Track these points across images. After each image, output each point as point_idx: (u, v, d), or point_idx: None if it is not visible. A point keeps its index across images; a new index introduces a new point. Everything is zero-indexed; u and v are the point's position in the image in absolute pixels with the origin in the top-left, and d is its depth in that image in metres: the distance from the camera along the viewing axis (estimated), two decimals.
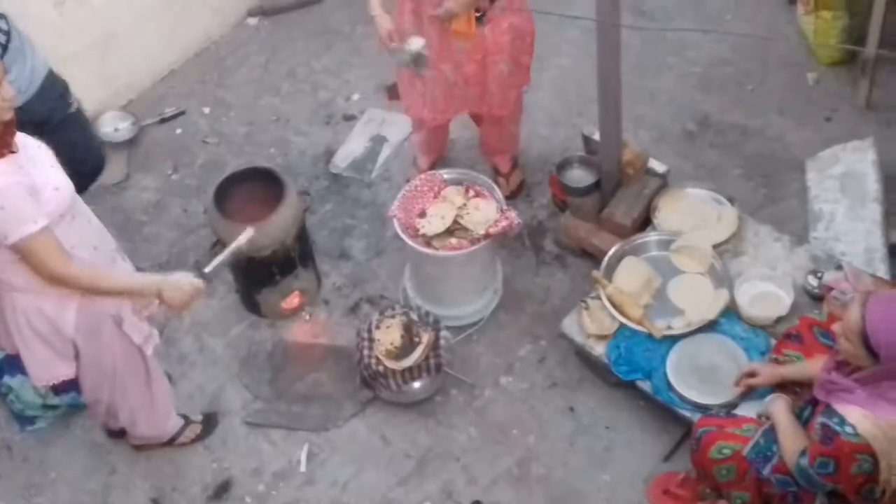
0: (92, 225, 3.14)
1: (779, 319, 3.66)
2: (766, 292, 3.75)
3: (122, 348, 3.28)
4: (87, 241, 3.07)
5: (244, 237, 3.34)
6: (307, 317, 4.23)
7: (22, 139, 2.89)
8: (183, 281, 3.09)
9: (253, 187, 4.05)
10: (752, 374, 3.39)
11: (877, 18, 4.28)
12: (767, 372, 3.36)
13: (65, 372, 3.25)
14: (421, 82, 4.03)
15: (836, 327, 2.88)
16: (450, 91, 4.04)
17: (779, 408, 3.16)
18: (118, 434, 3.86)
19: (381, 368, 3.76)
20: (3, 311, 3.13)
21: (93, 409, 3.64)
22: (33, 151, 2.95)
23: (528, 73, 4.19)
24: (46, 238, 2.84)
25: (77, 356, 3.22)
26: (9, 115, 2.79)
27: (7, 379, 3.92)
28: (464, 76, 3.97)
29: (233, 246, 3.33)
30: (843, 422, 2.77)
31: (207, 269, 3.20)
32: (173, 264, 4.34)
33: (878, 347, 2.70)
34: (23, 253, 2.84)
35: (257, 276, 4.07)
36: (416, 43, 3.79)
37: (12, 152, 2.81)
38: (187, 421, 3.86)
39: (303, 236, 4.13)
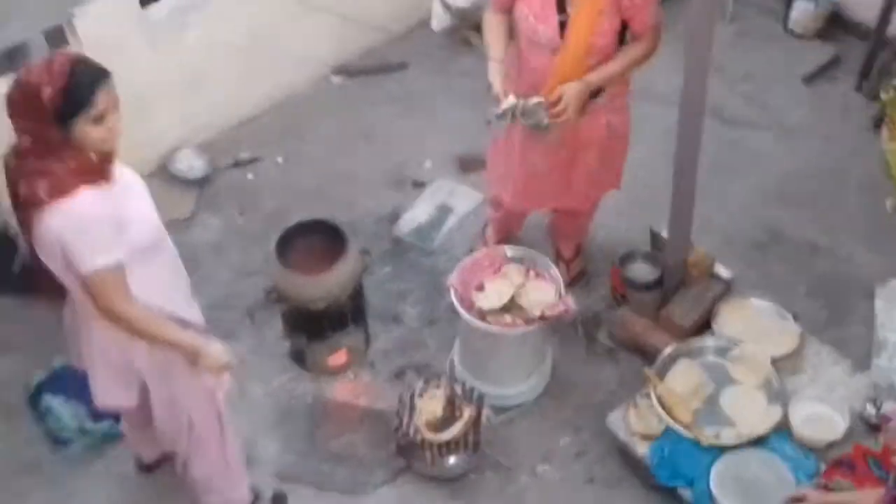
0: (175, 264, 3.13)
1: (831, 444, 3.55)
2: (821, 414, 3.65)
3: (195, 392, 3.22)
4: (166, 279, 3.06)
5: None
6: (351, 376, 4.19)
7: (119, 167, 2.90)
8: (216, 350, 3.10)
9: (315, 240, 4.06)
10: (799, 499, 3.27)
11: None
12: (816, 498, 3.23)
13: (126, 401, 3.20)
14: (506, 162, 3.99)
15: None
16: (534, 179, 3.97)
17: None
18: (149, 468, 3.83)
19: (418, 438, 3.70)
20: (80, 331, 3.11)
21: (175, 462, 3.53)
22: (128, 180, 2.95)
23: (620, 179, 4.15)
24: (116, 273, 2.83)
25: (146, 393, 3.18)
26: (110, 147, 2.81)
27: (48, 398, 3.93)
28: (550, 166, 3.91)
29: None
30: None
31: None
32: (225, 306, 4.35)
33: None
34: (88, 283, 2.83)
35: (307, 329, 4.06)
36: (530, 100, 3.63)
37: (107, 182, 2.81)
38: (257, 497, 3.74)
39: (358, 295, 4.12)
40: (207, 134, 5.18)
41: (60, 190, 2.72)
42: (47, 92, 2.64)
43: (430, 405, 3.76)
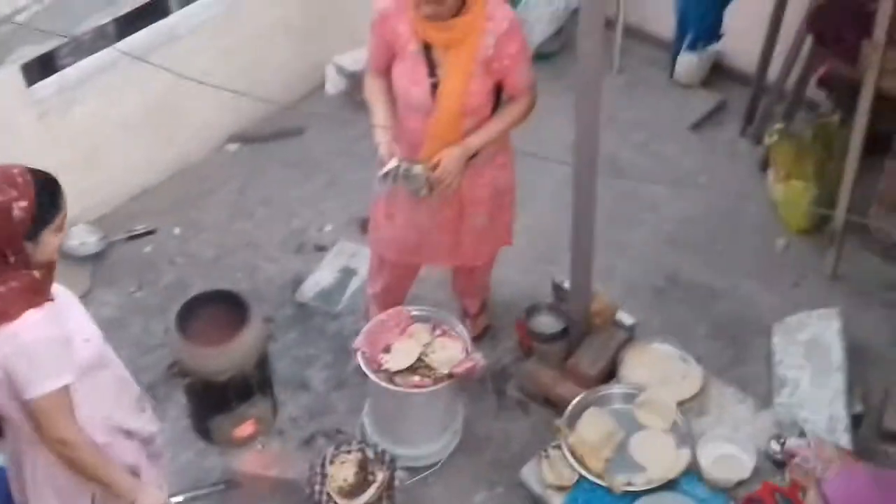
0: (120, 373, 3.03)
1: (740, 482, 3.59)
2: (729, 454, 3.69)
3: None
4: (112, 390, 2.95)
5: None
6: (260, 446, 4.11)
7: (54, 287, 2.78)
8: (157, 498, 2.99)
9: (217, 310, 3.99)
10: None
11: (845, 191, 4.38)
12: None
13: None
14: (391, 223, 4.00)
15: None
16: (422, 237, 3.99)
17: None
18: None
19: None
20: (20, 466, 2.95)
21: None
22: (65, 299, 2.84)
23: (510, 234, 4.18)
24: (63, 397, 2.71)
25: None
26: (55, 257, 2.73)
27: None
28: (438, 224, 3.93)
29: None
30: None
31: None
32: None
33: None
34: (35, 409, 2.69)
35: (213, 401, 3.97)
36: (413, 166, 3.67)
37: (49, 300, 2.70)
38: None
39: (263, 363, 4.05)
40: (101, 209, 5.09)
41: (4, 314, 2.61)
42: (20, 207, 2.57)
43: (342, 471, 3.70)
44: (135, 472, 3.01)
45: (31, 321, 2.64)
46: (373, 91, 3.80)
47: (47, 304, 2.68)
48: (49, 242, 2.67)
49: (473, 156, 3.72)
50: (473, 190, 3.85)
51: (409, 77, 3.63)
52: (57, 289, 2.80)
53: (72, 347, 2.74)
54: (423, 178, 3.63)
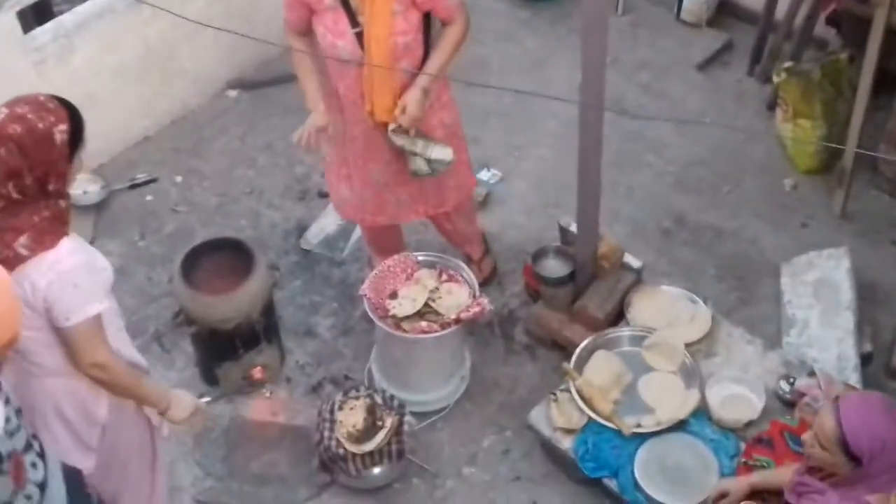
0: (117, 307, 3.06)
1: (749, 423, 3.60)
2: (738, 395, 3.69)
3: (139, 432, 3.13)
4: (118, 324, 2.99)
5: None
6: (267, 394, 4.11)
7: None
8: (185, 400, 3.07)
9: (221, 258, 3.96)
10: (723, 495, 3.29)
11: (854, 129, 4.33)
12: (737, 487, 3.26)
13: (82, 463, 3.02)
14: (348, 185, 3.96)
15: (806, 437, 2.82)
16: (380, 194, 3.93)
17: None
18: None
19: (340, 451, 3.64)
20: (30, 397, 2.93)
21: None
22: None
23: (470, 172, 4.12)
24: (99, 321, 2.76)
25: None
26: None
27: None
28: (394, 175, 3.87)
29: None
30: None
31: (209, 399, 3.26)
32: (132, 332, 4.20)
33: (860, 452, 2.65)
34: (76, 335, 2.73)
35: (219, 349, 3.96)
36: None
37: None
38: None
39: (269, 311, 4.04)
40: (101, 158, 5.03)
41: (42, 243, 2.65)
42: (60, 130, 2.64)
43: (351, 417, 3.70)
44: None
45: (68, 248, 2.69)
46: (300, 63, 3.75)
47: (73, 234, 2.75)
48: (79, 166, 2.74)
49: None
50: (428, 132, 3.78)
51: (332, 31, 3.55)
52: None
53: (100, 273, 2.79)
54: (398, 134, 3.64)
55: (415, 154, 3.70)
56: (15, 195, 2.65)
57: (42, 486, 2.63)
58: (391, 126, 3.65)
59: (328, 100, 3.77)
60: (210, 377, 4.09)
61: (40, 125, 2.63)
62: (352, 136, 3.79)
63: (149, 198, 4.93)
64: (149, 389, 3.01)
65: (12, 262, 2.63)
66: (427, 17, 3.61)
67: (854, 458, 2.67)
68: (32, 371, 2.87)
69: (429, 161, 3.71)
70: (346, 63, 3.58)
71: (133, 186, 4.95)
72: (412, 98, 3.58)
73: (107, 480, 3.17)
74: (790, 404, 3.65)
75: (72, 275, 2.67)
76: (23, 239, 2.64)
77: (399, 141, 3.68)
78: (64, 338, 2.76)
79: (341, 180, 3.99)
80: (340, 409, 3.71)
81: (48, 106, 2.67)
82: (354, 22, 3.52)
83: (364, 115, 3.69)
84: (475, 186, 4.26)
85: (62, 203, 2.72)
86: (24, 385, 2.91)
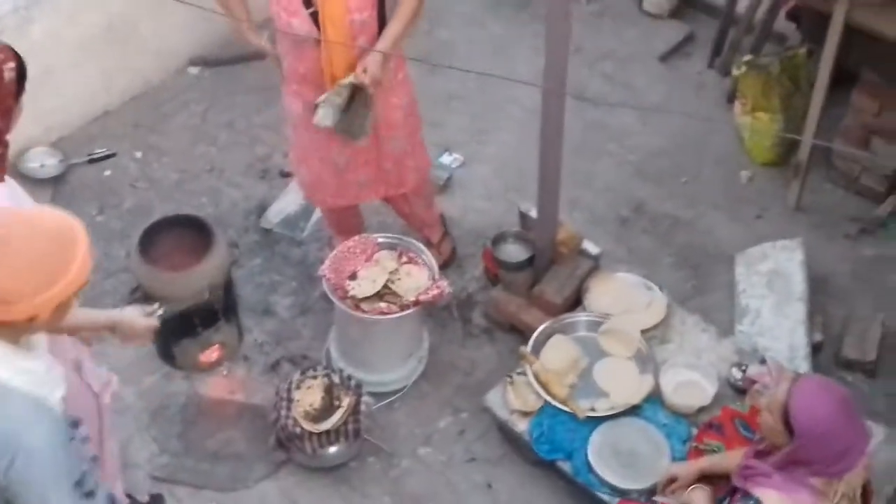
0: None
1: (701, 409, 3.66)
2: (691, 381, 3.75)
3: (83, 400, 3.07)
4: None
5: None
6: (225, 372, 4.10)
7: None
8: (138, 322, 3.02)
9: (180, 235, 3.95)
10: (672, 479, 3.35)
11: (811, 122, 4.40)
12: (687, 472, 3.32)
13: None
14: (307, 168, 3.96)
15: (762, 400, 2.88)
16: (340, 175, 3.93)
17: (699, 498, 3.14)
18: None
19: (297, 430, 3.65)
20: None
21: None
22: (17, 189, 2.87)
23: (426, 154, 4.14)
24: None
25: None
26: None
27: None
28: (354, 158, 3.88)
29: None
30: None
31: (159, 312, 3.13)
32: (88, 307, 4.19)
33: (795, 424, 2.72)
34: None
35: (177, 327, 3.93)
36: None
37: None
38: (133, 502, 3.56)
39: (228, 289, 4.03)
40: (60, 131, 4.98)
41: None
42: (9, 68, 2.64)
43: (308, 396, 3.71)
44: (77, 367, 3.03)
45: (3, 194, 2.66)
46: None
47: (8, 180, 2.73)
48: (19, 113, 2.71)
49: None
50: (387, 112, 3.80)
51: (286, 10, 3.54)
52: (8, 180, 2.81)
53: None
54: (349, 87, 3.58)
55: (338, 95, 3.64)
56: None
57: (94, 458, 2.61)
58: (344, 80, 3.59)
59: (288, 82, 3.77)
60: (167, 354, 4.07)
61: None
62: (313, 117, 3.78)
63: (107, 173, 4.89)
64: (91, 318, 2.96)
65: None
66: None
67: (789, 429, 2.74)
68: None
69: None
70: (303, 42, 3.56)
71: (92, 161, 4.91)
72: (373, 59, 3.57)
73: None
74: (741, 391, 3.71)
75: None
76: None
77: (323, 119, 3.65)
78: None
79: (300, 163, 3.99)
80: (298, 388, 3.72)
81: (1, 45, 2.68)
82: (308, 2, 3.51)
83: None
84: (430, 167, 4.27)
85: (1, 148, 2.70)
86: None
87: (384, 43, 3.58)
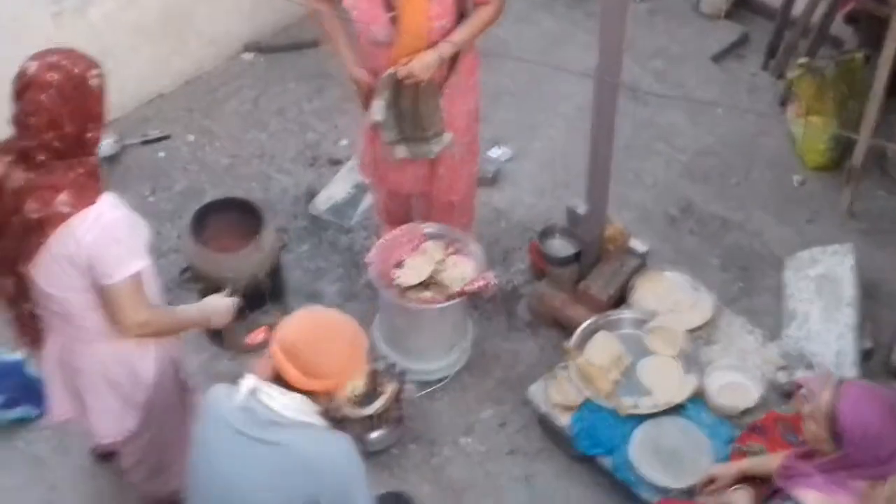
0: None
1: (745, 411, 3.63)
2: (735, 383, 3.73)
3: (177, 394, 3.17)
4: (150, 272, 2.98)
5: None
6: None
7: None
8: (221, 304, 3.13)
9: (230, 218, 3.99)
10: (713, 480, 3.33)
11: (866, 128, 4.35)
12: (727, 473, 3.27)
13: (131, 424, 3.08)
14: (371, 149, 3.95)
15: (805, 408, 2.86)
16: (400, 165, 3.91)
17: (741, 499, 3.12)
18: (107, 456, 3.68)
19: (340, 414, 3.67)
20: (76, 361, 2.95)
21: (129, 466, 3.38)
22: None
23: (477, 160, 4.12)
24: (139, 278, 2.75)
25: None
26: None
27: None
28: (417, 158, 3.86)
29: None
30: None
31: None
32: None
33: (842, 430, 2.70)
34: (117, 293, 2.72)
35: None
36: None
37: None
38: None
39: (276, 273, 4.07)
40: (115, 112, 5.00)
41: (83, 198, 2.63)
42: (94, 75, 2.66)
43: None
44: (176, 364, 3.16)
45: (110, 202, 2.68)
46: (330, 27, 3.72)
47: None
48: (107, 117, 2.74)
49: (448, 77, 3.66)
50: (453, 118, 3.77)
51: (367, 16, 3.53)
52: None
53: (139, 228, 2.79)
54: (391, 77, 3.56)
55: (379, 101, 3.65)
56: (56, 144, 2.63)
57: None
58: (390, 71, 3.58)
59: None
60: (215, 335, 4.11)
61: (76, 70, 2.64)
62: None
63: (161, 154, 4.95)
64: (189, 318, 3.06)
65: (54, 221, 2.63)
66: (461, 6, 3.59)
67: (836, 437, 2.72)
68: (80, 336, 2.88)
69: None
70: (379, 45, 3.56)
71: (146, 142, 4.98)
72: (421, 56, 3.53)
73: (147, 431, 3.17)
74: (786, 395, 3.68)
75: (114, 229, 2.66)
76: (62, 196, 2.63)
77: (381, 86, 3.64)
78: (106, 298, 2.75)
79: (368, 143, 3.98)
80: None
81: (78, 53, 2.69)
82: (389, 7, 3.51)
83: None
84: (477, 168, 4.22)
85: (94, 159, 2.71)
86: (70, 349, 2.93)
87: (447, 45, 3.57)
